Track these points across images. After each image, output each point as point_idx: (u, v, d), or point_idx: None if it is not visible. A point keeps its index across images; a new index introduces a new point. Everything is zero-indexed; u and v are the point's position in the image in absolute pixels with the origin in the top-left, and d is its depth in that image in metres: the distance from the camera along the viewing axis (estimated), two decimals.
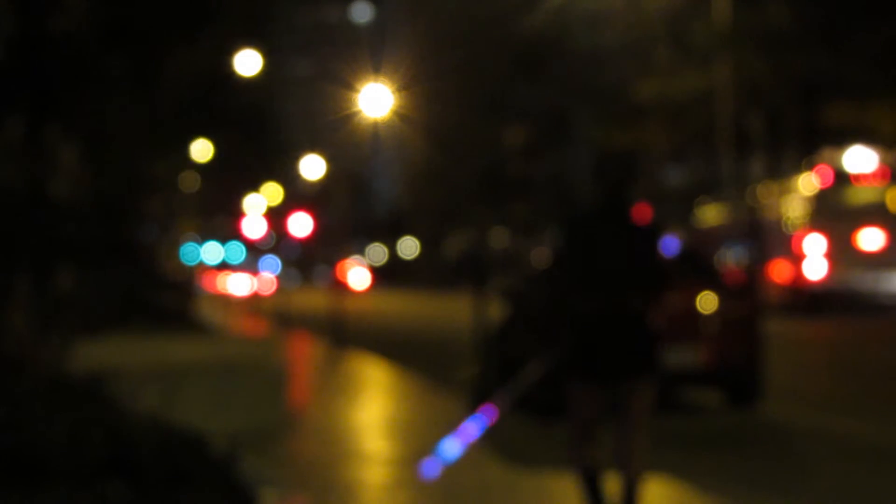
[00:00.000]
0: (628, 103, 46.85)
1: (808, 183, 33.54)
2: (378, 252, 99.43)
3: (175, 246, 51.48)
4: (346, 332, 26.17)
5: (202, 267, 67.50)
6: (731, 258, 35.78)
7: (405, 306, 51.50)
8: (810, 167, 34.78)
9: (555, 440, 12.30)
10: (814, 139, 40.60)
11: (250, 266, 72.88)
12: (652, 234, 7.10)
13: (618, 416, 7.16)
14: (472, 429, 10.96)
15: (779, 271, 34.01)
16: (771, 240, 34.76)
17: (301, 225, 31.35)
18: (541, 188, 59.22)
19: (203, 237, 65.84)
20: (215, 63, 25.37)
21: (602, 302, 6.97)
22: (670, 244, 14.28)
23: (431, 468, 10.31)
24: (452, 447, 10.29)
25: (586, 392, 7.13)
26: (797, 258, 32.93)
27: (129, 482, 7.73)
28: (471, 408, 13.93)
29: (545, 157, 58.67)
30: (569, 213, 8.04)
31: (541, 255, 45.86)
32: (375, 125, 29.33)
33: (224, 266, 74.43)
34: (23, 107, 14.22)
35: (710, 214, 41.35)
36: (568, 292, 7.06)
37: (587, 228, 7.06)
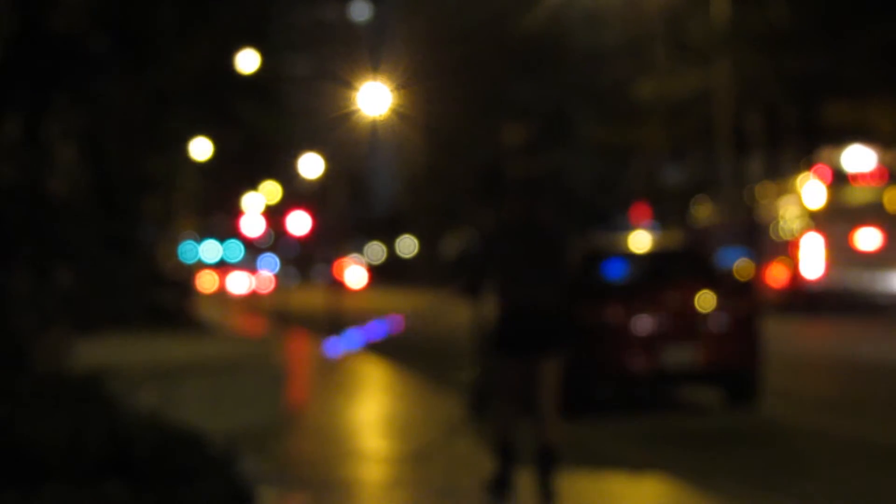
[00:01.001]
0: (627, 102, 46.84)
1: (800, 183, 33.57)
2: (377, 250, 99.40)
3: (173, 244, 51.46)
4: (345, 331, 26.16)
5: (200, 266, 67.48)
6: (728, 257, 35.77)
7: (404, 304, 51.50)
8: (808, 167, 34.77)
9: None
10: (812, 138, 40.60)
11: (249, 264, 72.86)
12: (560, 243, 8.80)
13: (533, 389, 8.67)
14: (375, 330, 11.30)
15: (776, 271, 34.01)
16: (768, 239, 34.76)
17: (300, 223, 31.34)
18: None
19: (201, 235, 65.79)
20: (213, 61, 25.36)
21: (522, 297, 8.64)
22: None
23: (333, 350, 10.71)
24: (353, 341, 10.65)
25: (514, 364, 8.66)
26: (795, 258, 32.92)
27: (127, 480, 7.73)
28: (470, 408, 13.95)
29: (544, 156, 58.66)
30: (491, 226, 9.45)
31: None
32: (374, 123, 29.34)
33: (222, 264, 74.43)
34: (21, 104, 14.21)
35: (708, 213, 41.33)
36: (497, 288, 8.72)
37: (508, 238, 8.71)
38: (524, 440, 8.93)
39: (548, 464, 8.68)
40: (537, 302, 8.63)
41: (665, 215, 47.85)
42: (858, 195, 32.74)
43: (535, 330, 8.63)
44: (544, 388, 8.66)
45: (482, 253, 8.86)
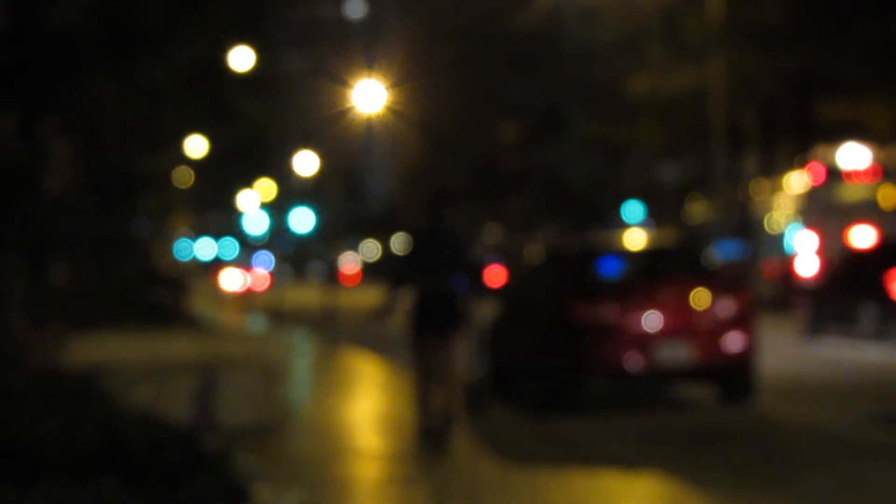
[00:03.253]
0: (622, 99, 46.84)
1: (799, 180, 33.60)
2: (371, 248, 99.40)
3: (168, 241, 51.43)
4: (339, 328, 26.16)
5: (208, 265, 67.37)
6: (723, 254, 35.83)
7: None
8: (802, 164, 34.83)
9: (549, 436, 12.32)
10: (807, 136, 40.62)
11: (244, 262, 72.75)
12: (461, 242, 11.12)
13: (440, 361, 10.80)
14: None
15: (770, 268, 34.05)
16: (762, 236, 34.84)
17: (301, 220, 31.28)
18: (534, 183, 59.27)
19: (196, 233, 65.73)
20: (208, 57, 25.31)
21: (430, 285, 10.84)
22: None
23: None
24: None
25: (426, 341, 10.82)
26: (789, 254, 32.98)
27: (121, 477, 7.74)
28: (467, 405, 13.97)
29: (538, 153, 58.68)
30: (409, 228, 11.83)
31: (534, 250, 45.91)
32: (369, 121, 29.32)
33: (217, 262, 74.32)
34: (16, 101, 14.21)
35: (703, 210, 41.38)
36: (412, 279, 10.91)
37: (420, 238, 11.04)
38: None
39: (448, 421, 10.82)
40: (442, 292, 10.83)
41: (660, 213, 47.88)
42: (852, 192, 32.80)
43: (441, 313, 10.81)
44: (449, 360, 10.83)
45: (405, 253, 11.18)
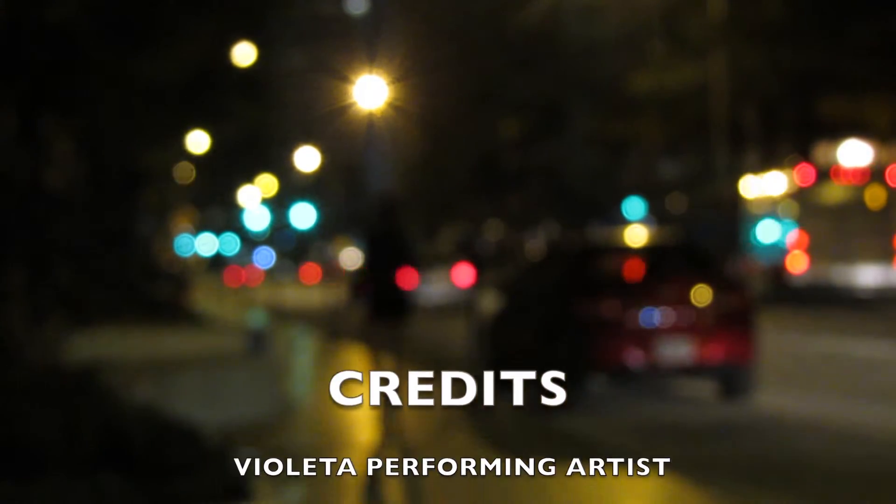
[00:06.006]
0: (623, 95, 46.83)
1: (785, 179, 33.79)
2: None
3: (170, 237, 51.42)
4: (340, 324, 26.15)
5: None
6: (715, 250, 35.89)
7: None
8: (794, 164, 34.94)
9: (549, 432, 12.33)
10: (808, 133, 40.60)
11: (244, 258, 72.72)
12: (406, 241, 12.92)
13: (394, 341, 12.79)
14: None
15: (762, 264, 34.21)
16: (755, 233, 35.02)
17: (302, 216, 31.23)
18: (535, 180, 59.23)
19: (198, 228, 65.66)
20: (209, 54, 25.31)
21: (383, 278, 12.65)
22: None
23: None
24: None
25: (378, 324, 12.75)
26: (779, 251, 33.17)
27: (122, 473, 7.74)
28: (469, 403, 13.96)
29: (540, 149, 58.64)
30: (367, 230, 13.80)
31: (534, 248, 45.92)
32: (370, 117, 29.32)
33: (218, 258, 74.25)
34: (17, 98, 14.21)
35: (697, 204, 41.51)
36: (370, 273, 12.71)
37: (375, 238, 12.84)
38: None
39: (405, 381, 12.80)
40: (393, 285, 12.67)
41: (661, 209, 47.87)
42: (842, 192, 32.99)
43: (392, 303, 12.70)
44: (401, 339, 12.85)
45: (365, 252, 12.93)
